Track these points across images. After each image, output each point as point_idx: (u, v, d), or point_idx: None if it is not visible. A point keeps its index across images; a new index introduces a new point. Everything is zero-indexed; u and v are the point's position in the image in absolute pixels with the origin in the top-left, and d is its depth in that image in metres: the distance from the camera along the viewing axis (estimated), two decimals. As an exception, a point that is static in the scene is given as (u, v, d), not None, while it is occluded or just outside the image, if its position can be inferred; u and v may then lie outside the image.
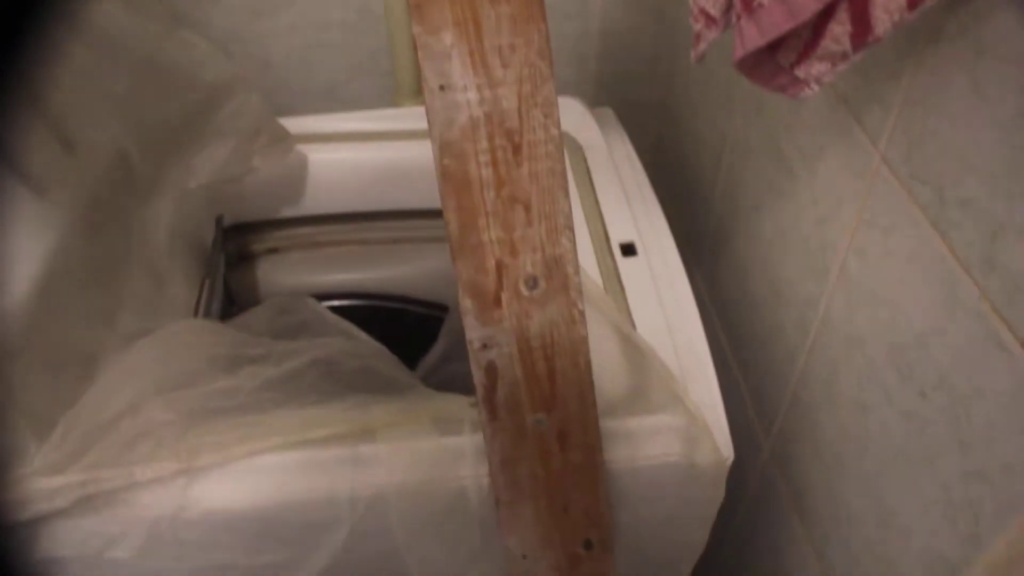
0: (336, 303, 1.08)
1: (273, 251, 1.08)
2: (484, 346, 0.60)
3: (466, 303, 0.59)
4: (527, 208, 0.57)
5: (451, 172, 0.56)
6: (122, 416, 0.65)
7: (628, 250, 0.85)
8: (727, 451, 0.70)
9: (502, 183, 0.57)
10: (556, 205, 0.58)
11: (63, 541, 0.64)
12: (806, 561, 0.86)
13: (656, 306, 0.80)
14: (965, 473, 0.59)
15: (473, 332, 0.59)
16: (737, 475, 1.02)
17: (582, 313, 0.60)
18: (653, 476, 0.68)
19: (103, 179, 0.77)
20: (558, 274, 0.59)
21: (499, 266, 0.58)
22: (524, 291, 0.59)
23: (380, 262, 1.10)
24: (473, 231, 0.57)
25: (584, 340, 0.60)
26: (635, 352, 0.73)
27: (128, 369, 0.68)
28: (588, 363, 0.61)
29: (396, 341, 0.89)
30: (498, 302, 0.59)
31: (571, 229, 0.58)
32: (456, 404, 0.69)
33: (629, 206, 0.91)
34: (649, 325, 0.77)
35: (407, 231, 1.08)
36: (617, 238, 0.87)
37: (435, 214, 0.58)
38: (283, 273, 1.08)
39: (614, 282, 0.82)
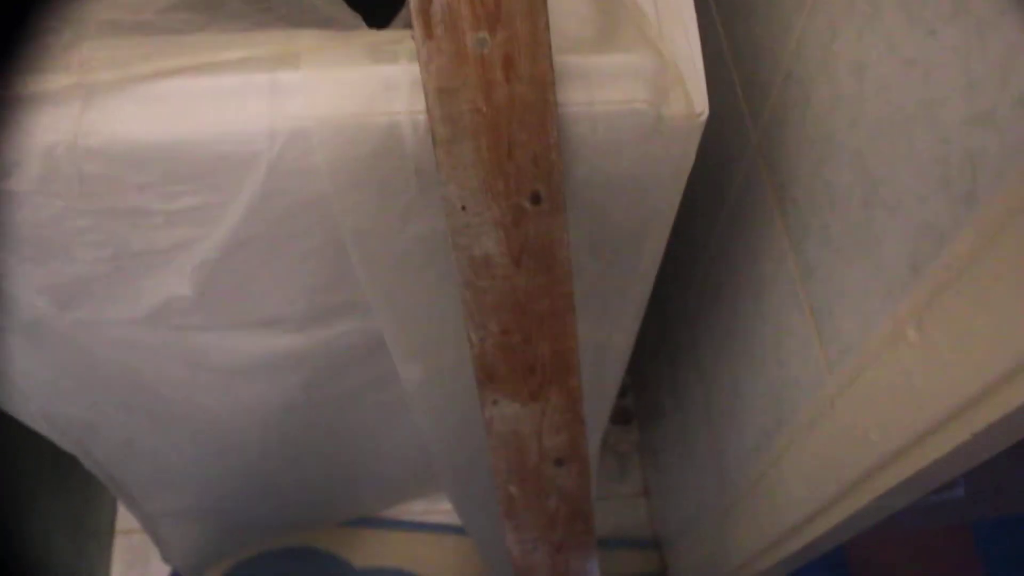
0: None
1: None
2: (417, -60, 0.50)
3: None
4: None
5: None
6: None
7: None
8: (701, 106, 0.61)
9: None
10: None
11: (-52, 166, 0.57)
12: (784, 260, 0.80)
13: (636, -50, 0.69)
14: (970, 118, 0.51)
15: (404, -77, 0.50)
16: (722, 174, 0.95)
17: (536, -93, 0.50)
18: (614, 125, 0.60)
19: None
20: None
21: None
22: None
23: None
24: None
25: (537, -57, 0.51)
26: (604, -12, 0.63)
27: (12, -27, 0.58)
28: (541, -28, 0.52)
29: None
30: None
31: None
32: (395, 36, 0.60)
33: None
34: (626, -31, 0.67)
35: None
36: None
37: None
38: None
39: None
